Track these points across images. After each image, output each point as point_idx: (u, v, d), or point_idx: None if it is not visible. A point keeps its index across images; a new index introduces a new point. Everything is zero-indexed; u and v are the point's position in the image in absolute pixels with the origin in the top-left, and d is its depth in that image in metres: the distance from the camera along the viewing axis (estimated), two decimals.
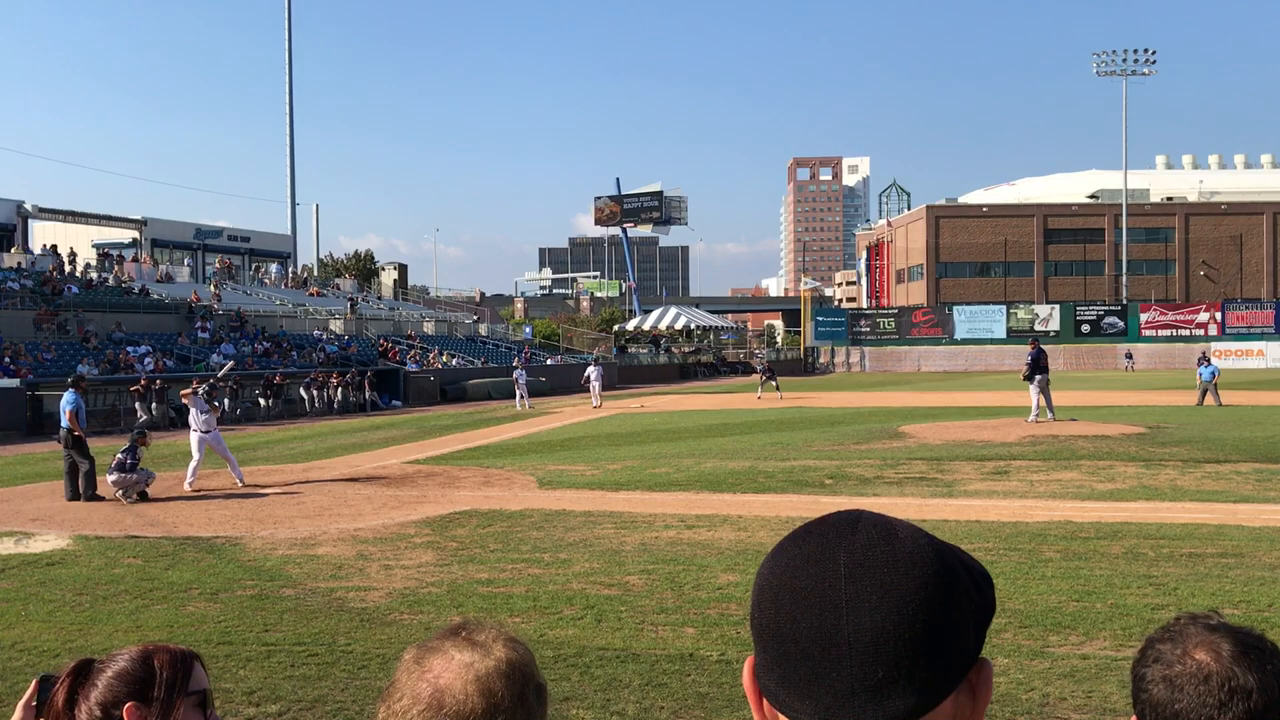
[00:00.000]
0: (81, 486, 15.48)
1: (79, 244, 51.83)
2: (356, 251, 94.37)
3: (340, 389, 39.17)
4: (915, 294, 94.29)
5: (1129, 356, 70.18)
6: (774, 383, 41.23)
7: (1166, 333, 73.96)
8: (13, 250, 46.68)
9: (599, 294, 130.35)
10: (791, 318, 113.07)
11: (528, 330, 74.95)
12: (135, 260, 51.86)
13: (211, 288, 49.79)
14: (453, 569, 9.96)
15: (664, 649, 7.10)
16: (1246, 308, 74.80)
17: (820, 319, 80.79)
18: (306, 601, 8.73)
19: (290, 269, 62.69)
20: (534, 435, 25.83)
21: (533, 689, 1.29)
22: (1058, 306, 77.77)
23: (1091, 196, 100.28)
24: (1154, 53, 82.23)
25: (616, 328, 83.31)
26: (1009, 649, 6.82)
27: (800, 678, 0.99)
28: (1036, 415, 25.70)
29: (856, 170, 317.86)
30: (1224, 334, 72.31)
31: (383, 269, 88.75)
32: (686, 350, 77.86)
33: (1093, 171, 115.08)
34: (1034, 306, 79.05)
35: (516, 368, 40.14)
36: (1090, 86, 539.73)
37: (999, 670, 6.20)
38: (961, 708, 1.00)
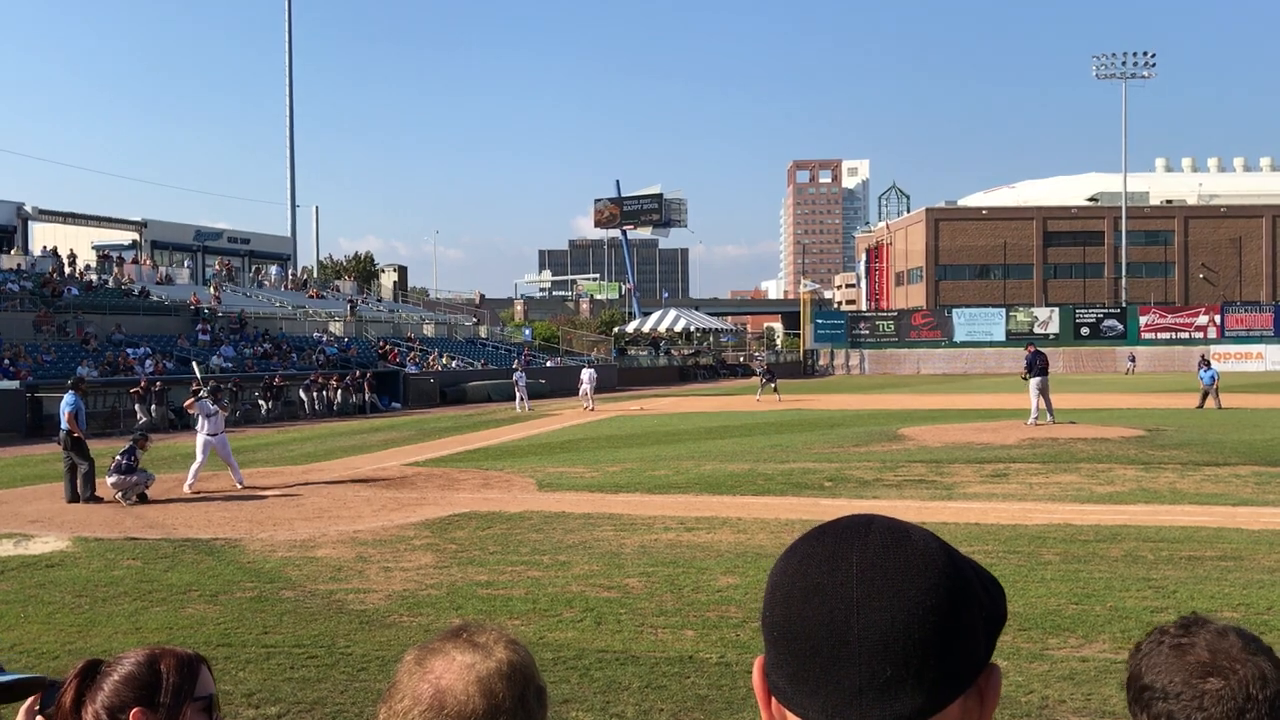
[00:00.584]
0: (80, 488, 15.48)
1: (79, 246, 51.83)
2: (356, 253, 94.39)
3: (340, 391, 39.16)
4: (915, 296, 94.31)
5: (1132, 359, 70.16)
6: (773, 385, 41.23)
7: (1166, 335, 73.99)
8: (13, 252, 46.70)
9: (599, 296, 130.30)
10: (791, 320, 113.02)
11: (527, 332, 74.94)
12: (135, 262, 51.85)
13: (211, 290, 49.79)
14: (452, 571, 9.96)
15: (663, 651, 7.10)
16: (1246, 310, 74.83)
17: (820, 321, 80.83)
18: (306, 603, 8.73)
19: (290, 271, 62.69)
20: (533, 437, 25.83)
21: (533, 691, 1.30)
22: (1057, 309, 77.81)
23: (1091, 199, 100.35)
24: (1154, 55, 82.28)
25: (616, 330, 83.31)
26: (1008, 651, 6.82)
27: (810, 675, 0.99)
28: (1036, 418, 25.70)
29: (856, 173, 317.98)
30: (1223, 337, 72.33)
31: (382, 271, 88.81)
32: (686, 352, 77.87)
33: (1092, 174, 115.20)
34: (1033, 309, 79.09)
35: (516, 370, 40.13)
36: (1090, 89, 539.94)
37: None
38: (969, 712, 1.01)
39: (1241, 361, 68.17)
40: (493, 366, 51.53)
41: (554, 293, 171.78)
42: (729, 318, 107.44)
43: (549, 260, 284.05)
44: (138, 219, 57.33)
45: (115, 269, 48.78)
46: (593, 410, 35.97)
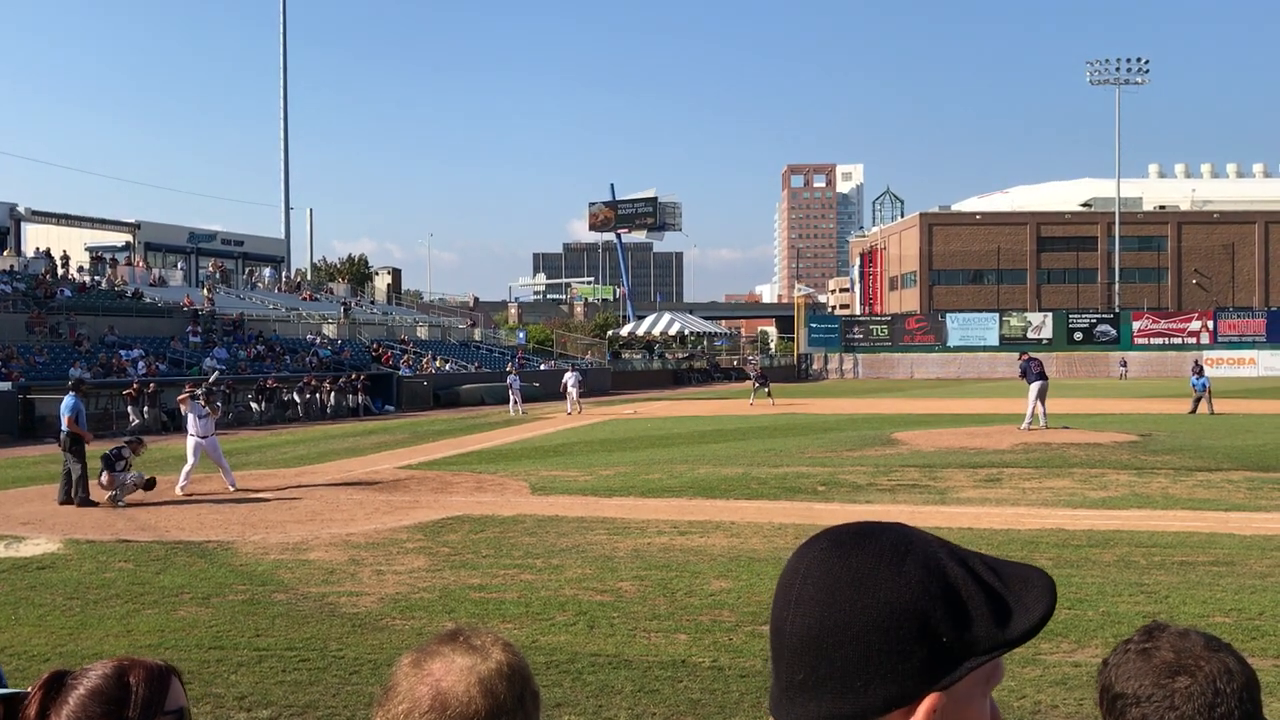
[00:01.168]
0: (74, 490, 15.44)
1: (72, 247, 51.75)
2: (350, 256, 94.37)
3: (333, 393, 39.11)
4: (908, 301, 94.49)
5: (1123, 364, 70.42)
6: (766, 389, 41.25)
7: (1159, 341, 74.22)
8: (5, 253, 46.61)
9: (593, 299, 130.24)
10: (785, 324, 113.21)
11: (521, 335, 74.87)
12: (128, 263, 51.78)
13: (205, 291, 49.71)
14: (445, 574, 9.95)
15: (656, 655, 7.10)
16: (1238, 316, 75.11)
17: (814, 325, 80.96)
18: (298, 606, 8.71)
19: (284, 273, 62.60)
20: (527, 440, 25.81)
21: (530, 693, 1.30)
22: (1050, 314, 78.04)
23: (1084, 205, 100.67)
24: (1147, 61, 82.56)
25: (610, 333, 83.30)
26: None
27: (772, 665, 1.05)
28: (1030, 423, 25.75)
29: (850, 177, 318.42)
30: (1216, 342, 72.58)
31: (376, 273, 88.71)
32: (680, 356, 77.91)
33: (1086, 180, 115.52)
34: (1026, 314, 79.33)
35: (510, 373, 40.06)
36: (1084, 95, 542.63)
37: None
38: None
39: (1234, 367, 68.41)
40: (486, 369, 51.51)
41: (548, 296, 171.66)
42: (723, 321, 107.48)
43: (543, 263, 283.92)
44: (131, 220, 57.22)
45: (108, 270, 48.68)
46: (577, 414, 35.85)
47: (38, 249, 48.93)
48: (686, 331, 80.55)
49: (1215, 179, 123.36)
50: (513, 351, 60.08)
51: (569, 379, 38.37)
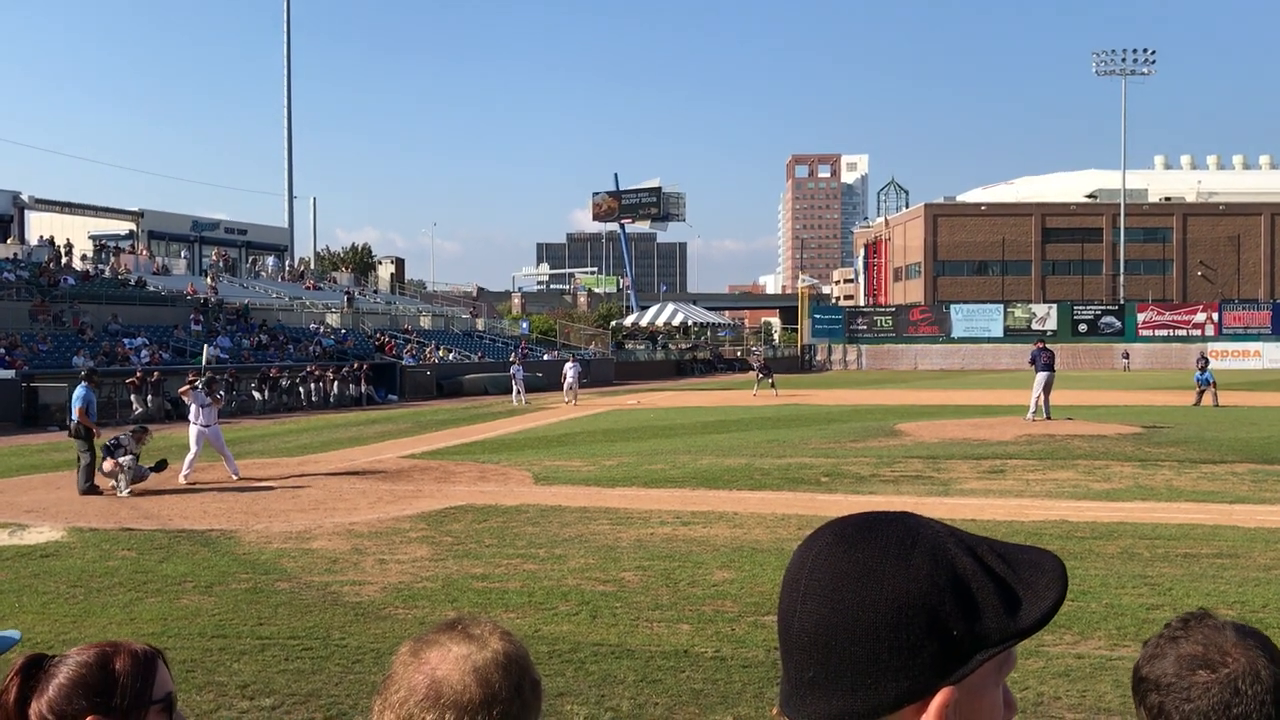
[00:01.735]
0: (80, 479, 15.47)
1: (75, 235, 51.77)
2: (353, 245, 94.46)
3: (336, 383, 39.14)
4: (913, 292, 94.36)
5: (1126, 356, 70.34)
6: (770, 380, 41.21)
7: (1164, 333, 74.06)
8: (9, 241, 46.64)
9: (596, 290, 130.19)
10: (789, 315, 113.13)
11: (524, 325, 74.90)
12: (132, 252, 51.82)
13: (208, 280, 49.74)
14: (448, 564, 9.95)
15: (659, 645, 7.09)
16: (1244, 308, 74.91)
17: (817, 316, 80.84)
18: (301, 595, 8.72)
19: (287, 262, 62.68)
20: (530, 430, 25.82)
21: (529, 682, 1.30)
22: (1055, 306, 77.86)
23: (1090, 196, 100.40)
24: (1153, 53, 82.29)
25: (614, 324, 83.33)
26: None
27: (781, 661, 1.04)
28: (1034, 414, 25.72)
29: (855, 168, 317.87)
30: (1221, 334, 72.41)
31: (380, 263, 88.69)
32: (683, 347, 77.92)
33: (1091, 171, 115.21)
34: (1031, 305, 79.16)
35: (513, 363, 40.09)
36: (1089, 86, 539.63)
37: None
38: None
39: (1239, 359, 68.24)
40: (490, 359, 51.53)
41: (551, 286, 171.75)
42: (726, 312, 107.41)
43: (547, 253, 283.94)
44: (135, 209, 57.28)
45: (112, 259, 48.75)
46: (575, 404, 35.96)
47: (41, 237, 48.98)
48: (690, 322, 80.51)
49: (1221, 170, 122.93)
50: (516, 342, 60.10)
51: (568, 369, 38.67)
